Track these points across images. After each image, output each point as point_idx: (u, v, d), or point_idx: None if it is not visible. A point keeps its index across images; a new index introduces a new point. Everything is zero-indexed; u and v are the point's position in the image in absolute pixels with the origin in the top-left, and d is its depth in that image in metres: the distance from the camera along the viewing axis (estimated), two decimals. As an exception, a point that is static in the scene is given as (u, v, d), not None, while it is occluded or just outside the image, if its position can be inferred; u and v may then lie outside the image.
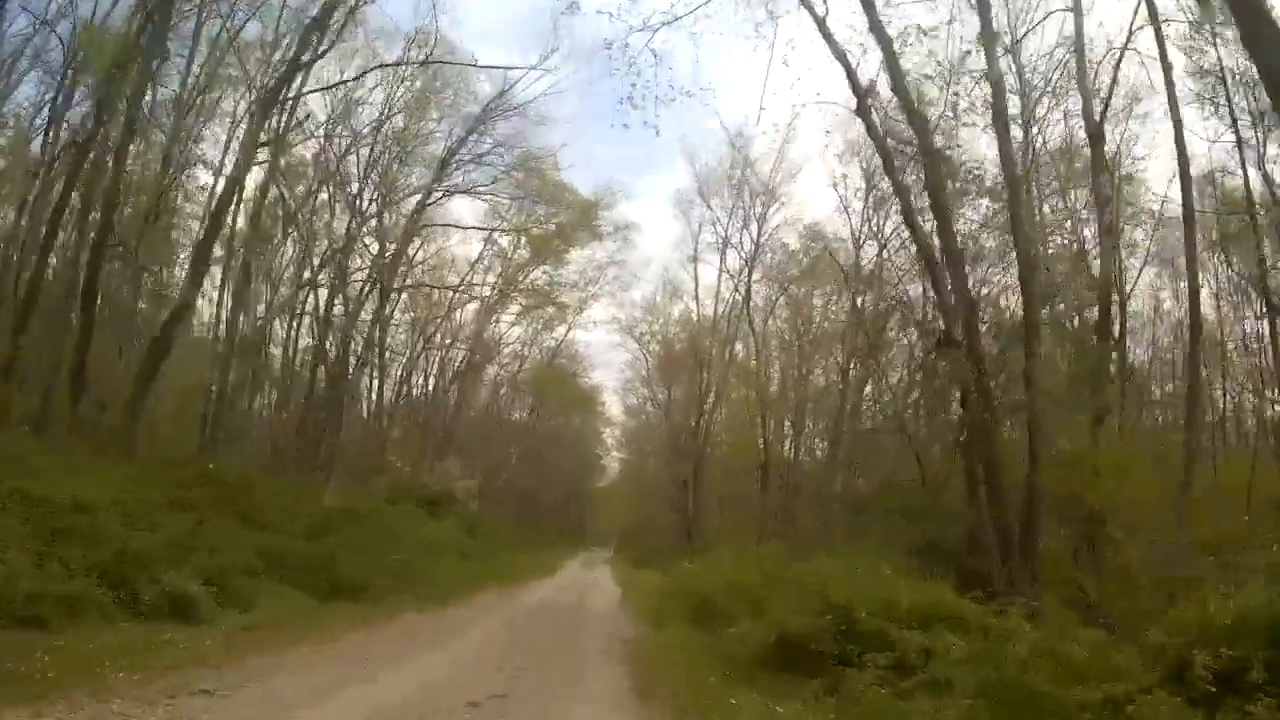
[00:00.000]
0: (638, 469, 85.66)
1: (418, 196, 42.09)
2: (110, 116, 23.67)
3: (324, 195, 40.20)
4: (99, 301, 24.92)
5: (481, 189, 42.65)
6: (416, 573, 23.78)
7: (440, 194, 40.92)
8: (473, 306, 54.72)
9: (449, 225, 46.34)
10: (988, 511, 18.75)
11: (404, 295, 50.10)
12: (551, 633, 17.88)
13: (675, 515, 58.98)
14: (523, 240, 51.57)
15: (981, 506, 19.17)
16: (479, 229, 47.48)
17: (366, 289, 41.79)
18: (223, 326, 35.17)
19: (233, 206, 30.54)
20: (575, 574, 44.93)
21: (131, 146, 25.76)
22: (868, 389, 48.52)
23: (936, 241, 21.24)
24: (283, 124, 32.92)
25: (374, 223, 40.51)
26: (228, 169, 30.50)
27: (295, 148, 36.24)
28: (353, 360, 42.28)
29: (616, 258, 56.76)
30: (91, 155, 24.03)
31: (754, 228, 52.61)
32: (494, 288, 53.29)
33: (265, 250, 38.35)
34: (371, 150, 39.83)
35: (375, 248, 41.43)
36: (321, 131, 36.73)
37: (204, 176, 33.01)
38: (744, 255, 52.82)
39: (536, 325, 61.49)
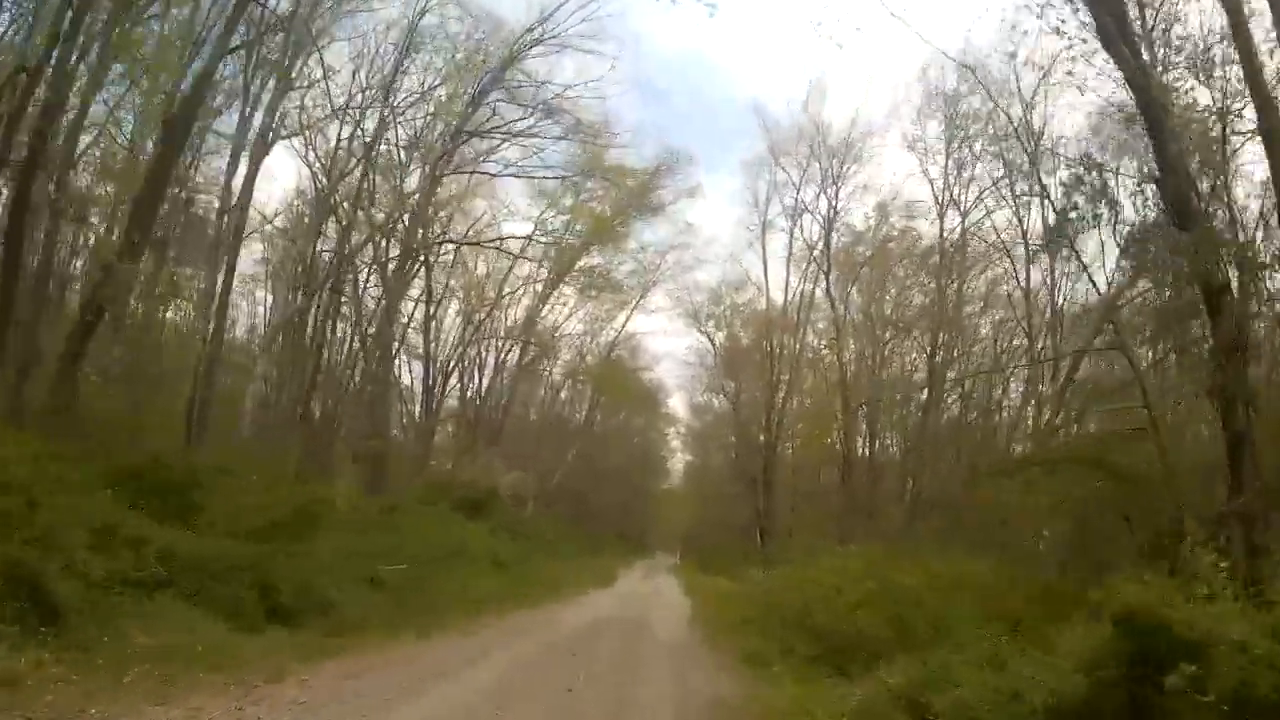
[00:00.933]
0: (703, 470, 79.44)
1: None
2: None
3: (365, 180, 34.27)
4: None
5: (521, 138, 36.11)
6: (425, 586, 18.32)
7: (468, 137, 34.25)
8: (525, 302, 48.98)
9: (478, 173, 38.61)
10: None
11: (452, 287, 44.86)
12: (598, 684, 11.43)
13: (744, 516, 52.83)
14: (576, 225, 45.40)
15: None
16: (519, 175, 39.54)
17: (406, 265, 36.20)
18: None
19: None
20: (635, 583, 38.92)
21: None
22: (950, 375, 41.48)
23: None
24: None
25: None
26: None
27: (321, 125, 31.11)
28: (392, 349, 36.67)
29: (679, 240, 50.94)
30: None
31: (831, 191, 46.22)
32: (547, 266, 46.98)
33: (296, 238, 33.73)
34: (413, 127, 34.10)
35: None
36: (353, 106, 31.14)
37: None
38: (821, 219, 46.47)
39: (594, 316, 55.06)
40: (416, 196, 33.35)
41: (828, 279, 44.95)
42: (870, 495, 43.10)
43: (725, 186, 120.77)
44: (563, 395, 64.80)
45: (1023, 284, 35.49)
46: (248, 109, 26.94)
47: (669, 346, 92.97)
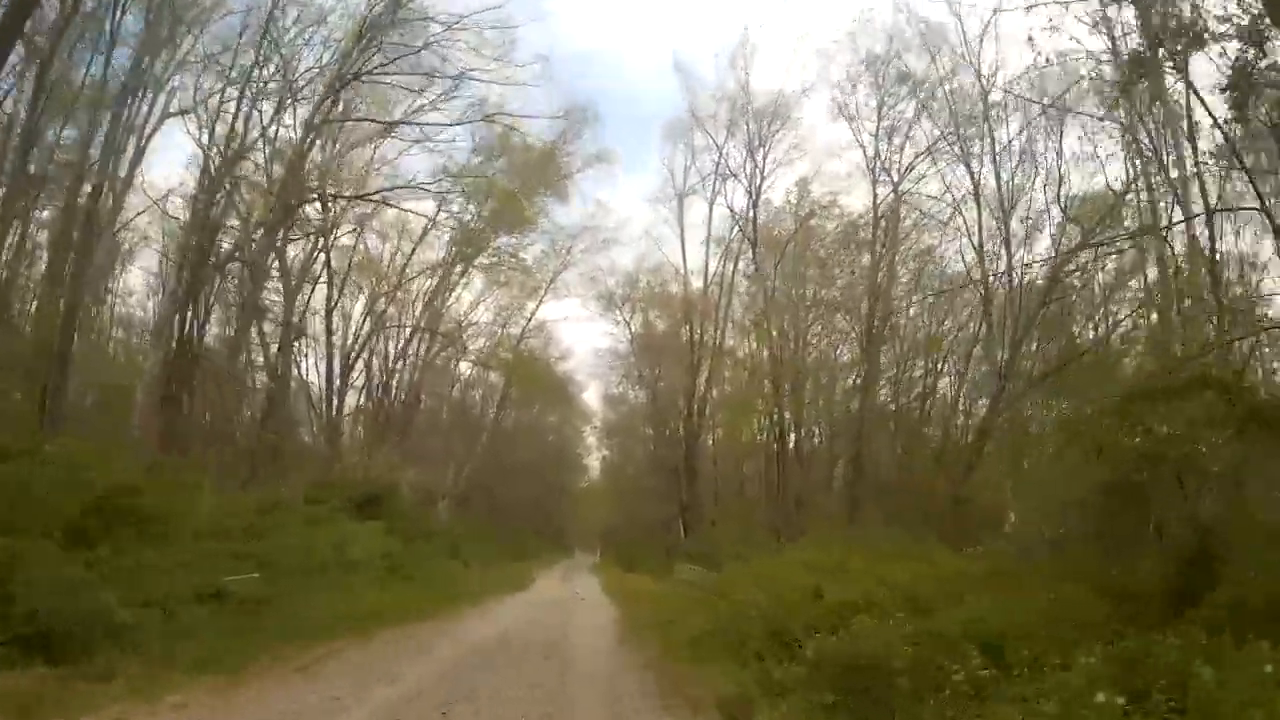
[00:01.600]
0: (621, 465, 75.03)
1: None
2: None
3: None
4: None
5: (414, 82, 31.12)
6: (289, 600, 14.38)
7: (354, 79, 29.38)
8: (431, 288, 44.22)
9: (369, 120, 33.15)
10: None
11: (354, 279, 40.28)
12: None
13: (665, 511, 49.21)
14: (482, 206, 41.05)
15: None
16: (413, 123, 33.62)
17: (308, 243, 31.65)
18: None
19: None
20: (555, 587, 34.31)
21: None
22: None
23: None
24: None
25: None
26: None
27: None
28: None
29: (591, 221, 47.32)
30: None
31: (760, 154, 42.43)
32: (451, 250, 42.39)
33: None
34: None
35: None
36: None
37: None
38: (745, 183, 42.82)
39: (503, 305, 50.36)
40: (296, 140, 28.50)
41: (754, 249, 41.28)
42: (800, 483, 39.53)
43: (641, 187, 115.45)
44: (476, 393, 60.15)
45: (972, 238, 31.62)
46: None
47: (583, 335, 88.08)
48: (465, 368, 55.66)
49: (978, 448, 28.95)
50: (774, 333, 40.67)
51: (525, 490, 67.15)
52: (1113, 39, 18.97)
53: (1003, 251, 30.14)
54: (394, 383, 43.67)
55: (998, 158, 29.49)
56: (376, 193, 34.53)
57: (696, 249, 51.68)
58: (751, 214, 41.52)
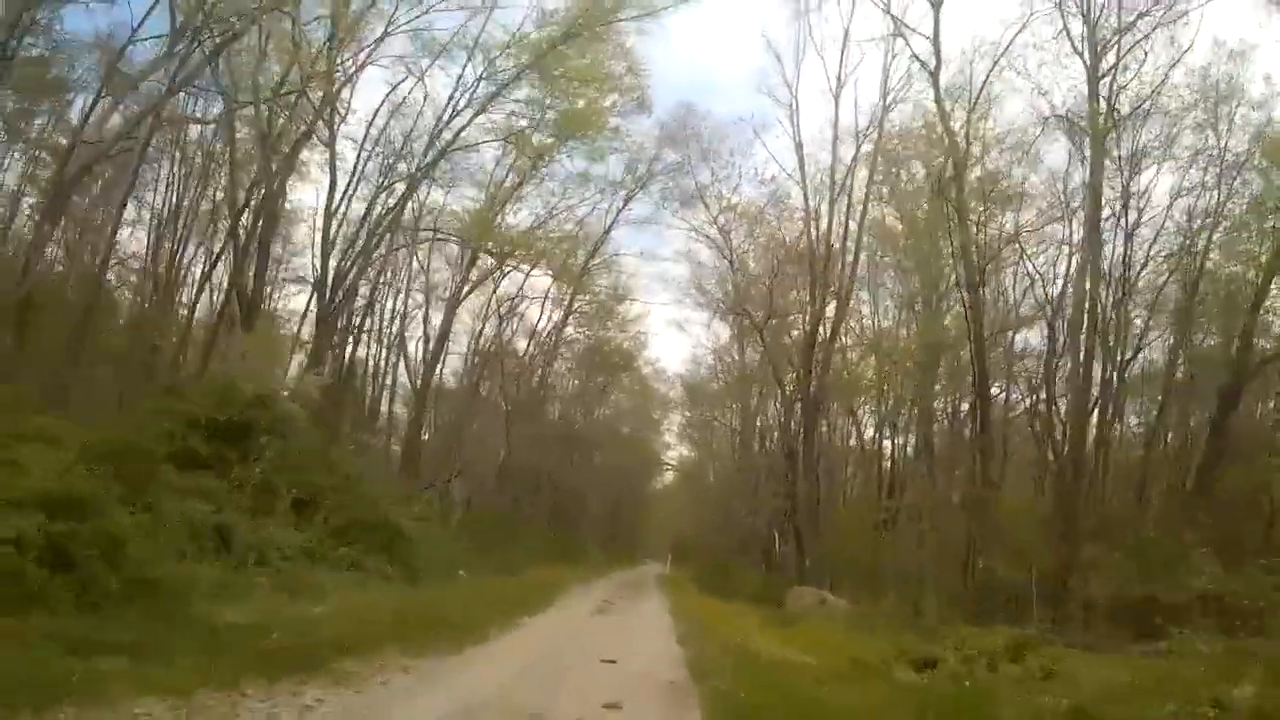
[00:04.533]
0: (702, 465, 60.21)
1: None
2: None
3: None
4: None
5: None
6: None
7: None
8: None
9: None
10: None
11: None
12: None
13: (761, 519, 33.27)
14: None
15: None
16: None
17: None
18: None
19: None
20: (580, 616, 17.52)
21: None
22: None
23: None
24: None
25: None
26: None
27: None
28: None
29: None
30: None
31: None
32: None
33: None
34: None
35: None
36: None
37: None
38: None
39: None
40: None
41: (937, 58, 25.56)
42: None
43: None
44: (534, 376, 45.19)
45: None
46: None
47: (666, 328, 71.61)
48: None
49: None
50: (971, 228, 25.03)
51: (591, 488, 53.43)
52: None
53: None
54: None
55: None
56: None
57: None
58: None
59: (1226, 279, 26.73)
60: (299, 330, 31.19)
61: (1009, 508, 24.06)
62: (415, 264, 37.52)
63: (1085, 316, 24.56)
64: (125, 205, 25.91)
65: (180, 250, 28.42)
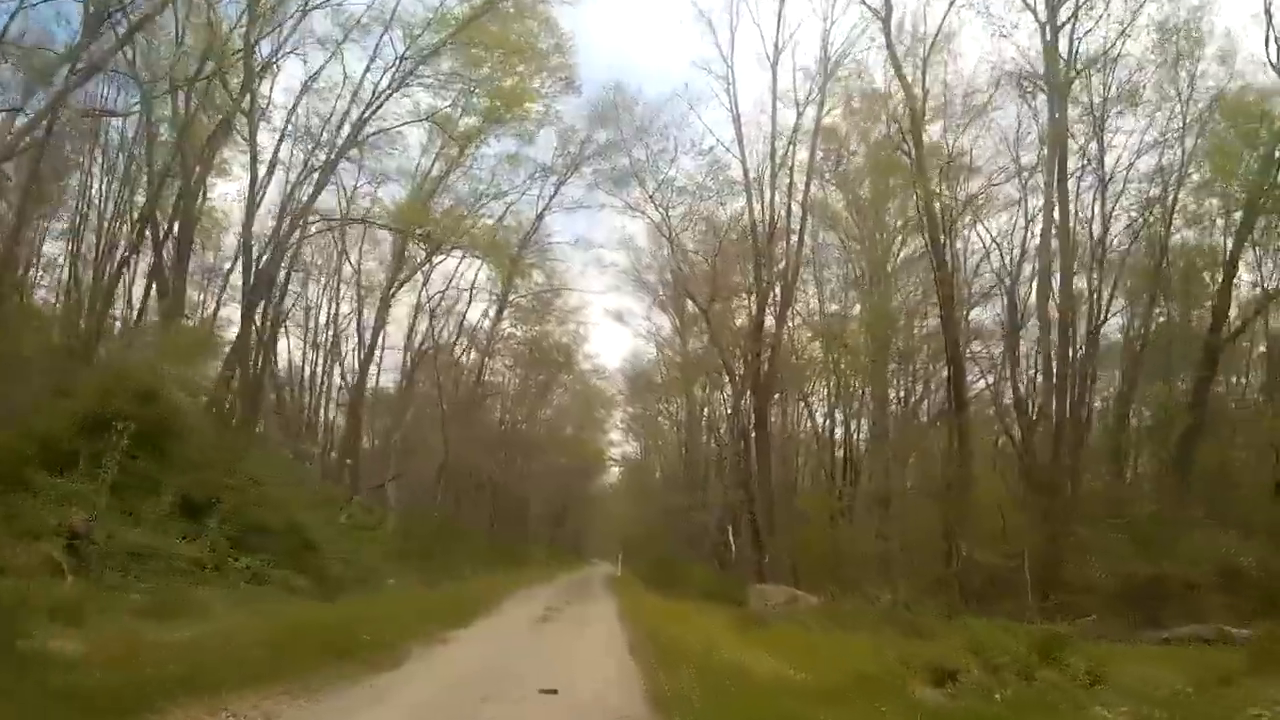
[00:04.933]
0: (647, 463, 57.73)
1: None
2: None
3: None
4: None
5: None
6: None
7: None
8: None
9: None
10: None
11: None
12: None
13: (696, 516, 31.51)
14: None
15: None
16: None
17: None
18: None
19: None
20: (519, 627, 14.82)
21: None
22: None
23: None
24: None
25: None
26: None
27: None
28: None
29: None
30: None
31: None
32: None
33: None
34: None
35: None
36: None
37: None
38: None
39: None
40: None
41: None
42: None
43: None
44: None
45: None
46: None
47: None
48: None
49: None
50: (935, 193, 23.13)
51: (535, 490, 51.64)
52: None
53: None
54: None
55: None
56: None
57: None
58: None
59: (1193, 247, 25.39)
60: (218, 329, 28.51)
61: (981, 490, 22.10)
62: (348, 267, 35.91)
63: (1055, 280, 22.89)
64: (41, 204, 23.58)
65: (103, 249, 25.62)
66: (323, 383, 38.60)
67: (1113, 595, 15.83)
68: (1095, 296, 24.94)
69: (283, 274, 27.72)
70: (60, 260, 27.31)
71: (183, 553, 11.64)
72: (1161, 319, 25.84)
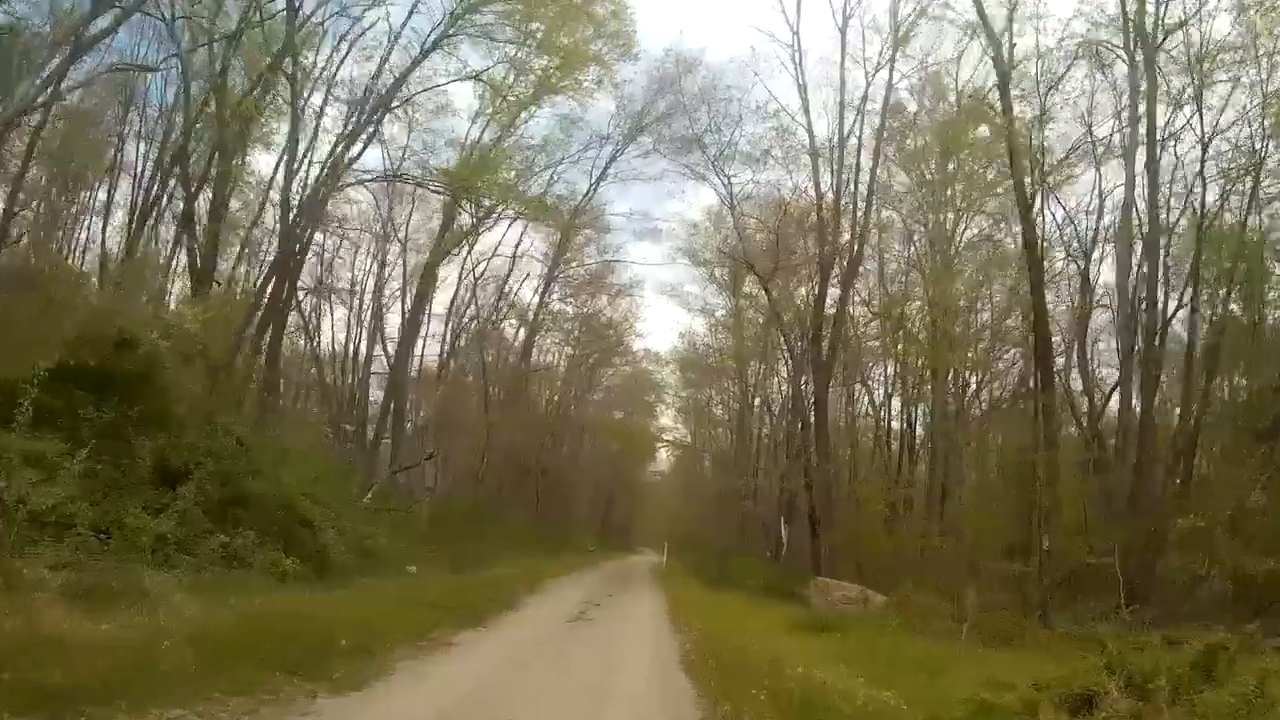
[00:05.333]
0: (690, 458, 56.28)
1: None
2: None
3: None
4: None
5: None
6: None
7: None
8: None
9: None
10: None
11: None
12: None
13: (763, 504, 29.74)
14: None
15: None
16: None
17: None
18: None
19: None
20: (548, 627, 13.06)
21: None
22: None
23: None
24: None
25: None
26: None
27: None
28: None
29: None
30: None
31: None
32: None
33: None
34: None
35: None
36: None
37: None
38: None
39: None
40: None
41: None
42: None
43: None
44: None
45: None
46: None
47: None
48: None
49: None
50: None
51: (582, 474, 53.03)
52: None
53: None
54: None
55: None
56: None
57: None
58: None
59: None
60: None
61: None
62: (395, 247, 34.81)
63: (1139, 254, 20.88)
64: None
65: (138, 212, 24.75)
66: (367, 359, 37.64)
67: (1221, 596, 14.01)
68: (1180, 274, 22.85)
69: (323, 238, 26.75)
70: (94, 224, 26.75)
71: (150, 528, 10.15)
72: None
